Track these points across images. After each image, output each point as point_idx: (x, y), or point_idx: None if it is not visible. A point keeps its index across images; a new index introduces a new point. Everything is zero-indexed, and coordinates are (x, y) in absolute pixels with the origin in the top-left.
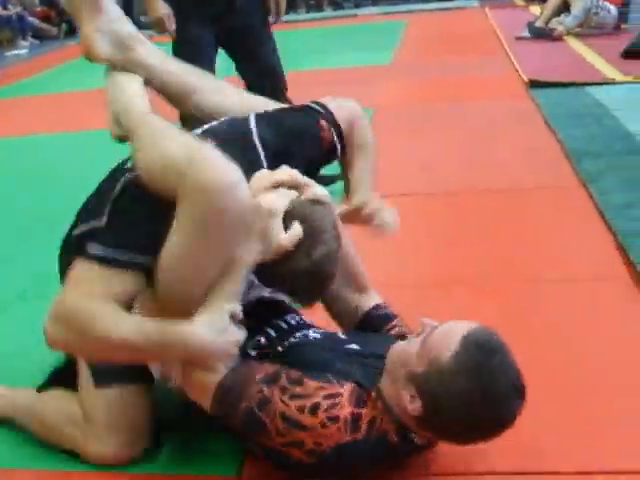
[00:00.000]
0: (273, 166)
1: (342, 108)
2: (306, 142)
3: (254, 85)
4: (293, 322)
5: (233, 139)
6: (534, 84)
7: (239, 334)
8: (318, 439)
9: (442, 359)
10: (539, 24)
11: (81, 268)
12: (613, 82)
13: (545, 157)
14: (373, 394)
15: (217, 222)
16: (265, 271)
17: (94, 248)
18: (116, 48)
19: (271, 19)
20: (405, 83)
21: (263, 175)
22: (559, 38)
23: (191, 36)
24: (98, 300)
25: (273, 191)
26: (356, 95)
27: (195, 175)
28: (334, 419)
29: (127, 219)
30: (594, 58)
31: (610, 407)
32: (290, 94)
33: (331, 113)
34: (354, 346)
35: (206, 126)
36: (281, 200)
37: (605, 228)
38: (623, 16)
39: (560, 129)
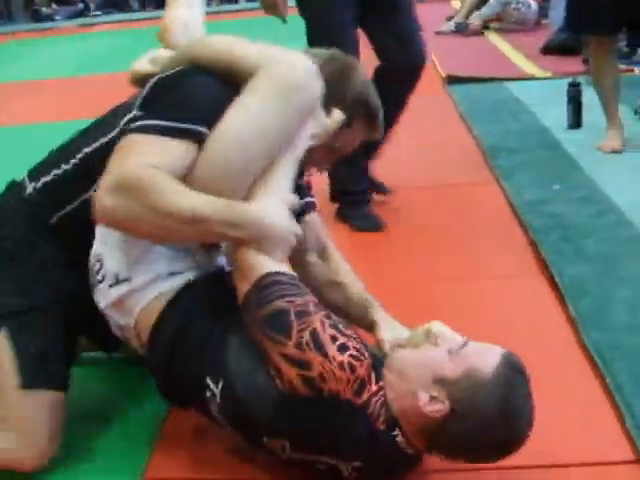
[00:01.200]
0: None
1: None
2: None
3: (387, 53)
4: None
5: None
6: (452, 79)
7: (298, 227)
8: (327, 374)
9: (482, 371)
10: (458, 19)
11: (135, 138)
12: (532, 78)
13: (460, 153)
14: (381, 382)
15: (294, 95)
16: None
17: (146, 121)
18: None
19: None
20: None
21: None
22: (477, 32)
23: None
24: (160, 169)
25: None
26: None
27: (277, 55)
28: (352, 368)
29: (179, 92)
30: (513, 54)
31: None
32: None
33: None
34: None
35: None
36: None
37: (518, 224)
38: (543, 12)
39: (476, 125)
